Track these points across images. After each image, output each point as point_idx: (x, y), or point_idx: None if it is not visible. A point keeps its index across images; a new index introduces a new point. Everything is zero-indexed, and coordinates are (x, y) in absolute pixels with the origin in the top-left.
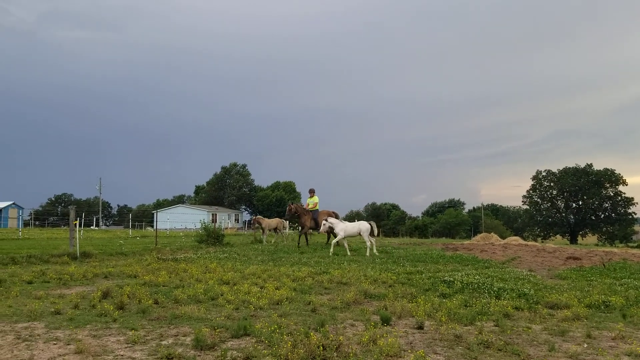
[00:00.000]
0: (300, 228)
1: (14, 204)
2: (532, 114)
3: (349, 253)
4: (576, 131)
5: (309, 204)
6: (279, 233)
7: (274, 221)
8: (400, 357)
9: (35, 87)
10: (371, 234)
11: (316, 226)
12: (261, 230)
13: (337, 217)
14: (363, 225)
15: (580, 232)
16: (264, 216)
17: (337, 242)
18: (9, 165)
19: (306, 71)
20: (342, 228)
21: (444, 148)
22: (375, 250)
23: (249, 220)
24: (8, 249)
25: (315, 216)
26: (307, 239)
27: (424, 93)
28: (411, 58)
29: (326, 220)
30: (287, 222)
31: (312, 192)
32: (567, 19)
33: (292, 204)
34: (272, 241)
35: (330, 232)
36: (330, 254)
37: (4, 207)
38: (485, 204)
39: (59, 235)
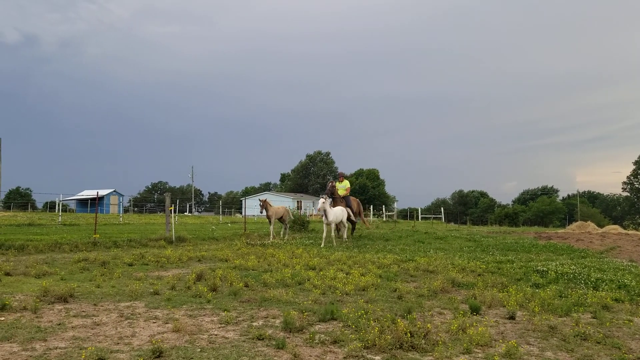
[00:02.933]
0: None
1: (114, 191)
2: (634, 95)
3: (334, 243)
4: None
5: (338, 190)
6: (285, 224)
7: (282, 209)
8: (491, 346)
9: (134, 81)
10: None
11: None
12: (267, 219)
13: (359, 204)
14: (345, 212)
15: None
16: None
17: (331, 233)
18: (110, 156)
19: (390, 61)
20: (334, 214)
21: (537, 133)
22: (345, 236)
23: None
24: (110, 234)
25: (349, 203)
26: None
27: (514, 77)
28: (499, 39)
29: (325, 199)
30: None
31: (341, 178)
32: None
33: (333, 183)
34: (282, 235)
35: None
36: (322, 246)
37: (106, 195)
38: (581, 191)
39: (156, 221)
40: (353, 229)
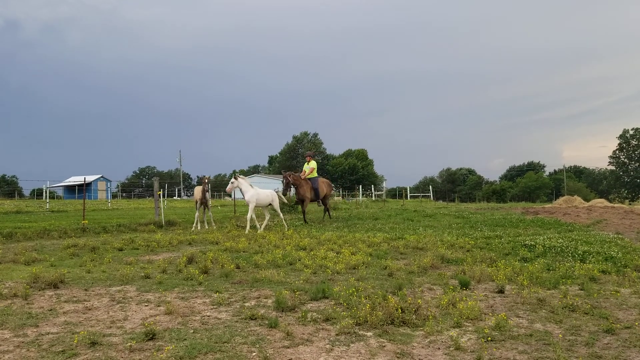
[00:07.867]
0: (300, 201)
1: (102, 177)
2: (620, 69)
3: (260, 229)
4: None
5: (305, 171)
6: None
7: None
8: (481, 320)
9: (119, 64)
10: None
11: (316, 197)
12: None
13: (330, 187)
14: (275, 195)
15: None
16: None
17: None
18: (97, 141)
19: (376, 39)
20: (253, 195)
21: (524, 109)
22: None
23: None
24: (99, 219)
25: (315, 185)
26: (304, 213)
27: (501, 53)
28: (486, 14)
29: (235, 179)
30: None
31: (309, 157)
32: None
33: (287, 174)
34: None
35: (315, 200)
36: (247, 232)
37: (94, 180)
38: (567, 166)
39: (145, 206)
40: (327, 210)
